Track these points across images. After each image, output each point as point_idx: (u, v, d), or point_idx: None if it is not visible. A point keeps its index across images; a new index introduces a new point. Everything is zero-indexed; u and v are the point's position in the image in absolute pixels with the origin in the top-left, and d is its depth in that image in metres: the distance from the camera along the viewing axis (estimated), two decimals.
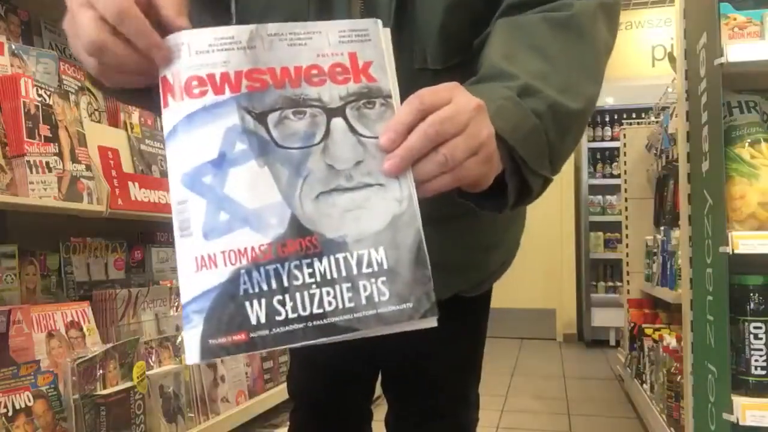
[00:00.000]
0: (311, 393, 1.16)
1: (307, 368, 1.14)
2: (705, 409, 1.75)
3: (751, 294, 1.59)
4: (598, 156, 5.54)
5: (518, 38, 0.73)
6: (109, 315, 1.86)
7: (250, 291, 0.55)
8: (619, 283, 5.01)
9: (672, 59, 2.63)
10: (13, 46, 1.69)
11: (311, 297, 0.56)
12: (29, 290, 1.72)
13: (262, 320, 0.55)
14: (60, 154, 1.63)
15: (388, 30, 0.63)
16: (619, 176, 4.34)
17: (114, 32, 0.57)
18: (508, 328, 5.37)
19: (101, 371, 1.63)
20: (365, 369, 1.14)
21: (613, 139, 5.33)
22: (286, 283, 0.56)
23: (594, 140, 5.49)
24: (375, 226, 0.58)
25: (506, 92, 0.66)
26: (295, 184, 0.58)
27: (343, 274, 0.57)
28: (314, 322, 0.55)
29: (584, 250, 5.38)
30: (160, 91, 0.59)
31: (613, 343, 5.09)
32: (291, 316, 0.55)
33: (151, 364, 1.89)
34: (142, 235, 2.28)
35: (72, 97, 1.79)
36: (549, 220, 5.39)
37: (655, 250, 3.17)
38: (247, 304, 0.55)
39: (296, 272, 0.56)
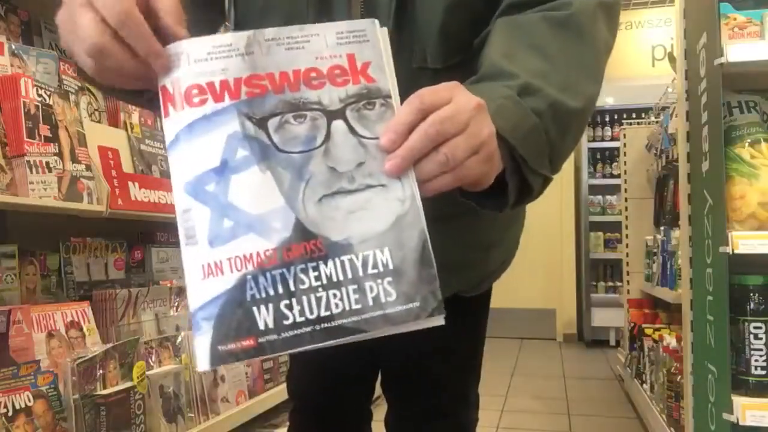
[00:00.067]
0: (311, 394, 1.16)
1: (308, 369, 1.14)
2: (705, 409, 1.75)
3: (751, 294, 1.59)
4: (598, 156, 5.54)
5: (518, 37, 0.73)
6: (109, 315, 1.86)
7: (257, 296, 0.55)
8: (619, 283, 5.02)
9: (672, 59, 2.63)
10: (13, 46, 1.69)
11: (318, 300, 0.56)
12: (29, 290, 1.72)
13: (270, 325, 0.55)
14: (60, 154, 1.63)
15: (385, 30, 0.63)
16: (619, 176, 4.34)
17: (115, 36, 0.57)
18: (508, 328, 5.37)
19: (101, 371, 1.63)
20: (366, 370, 1.14)
21: (613, 139, 5.33)
22: (292, 287, 0.56)
23: (594, 140, 5.50)
24: (379, 226, 0.58)
25: (506, 91, 0.66)
26: (297, 188, 0.58)
27: (349, 275, 0.57)
28: (322, 325, 0.55)
29: (584, 250, 5.38)
30: (161, 100, 0.59)
31: (613, 343, 5.09)
32: (299, 319, 0.55)
33: (151, 364, 1.89)
34: (142, 235, 2.28)
35: (72, 97, 1.79)
36: (549, 220, 5.39)
37: (655, 250, 3.17)
38: (255, 309, 0.55)
39: (302, 276, 0.56)
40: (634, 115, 4.99)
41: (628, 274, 3.86)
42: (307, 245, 0.57)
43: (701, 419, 1.80)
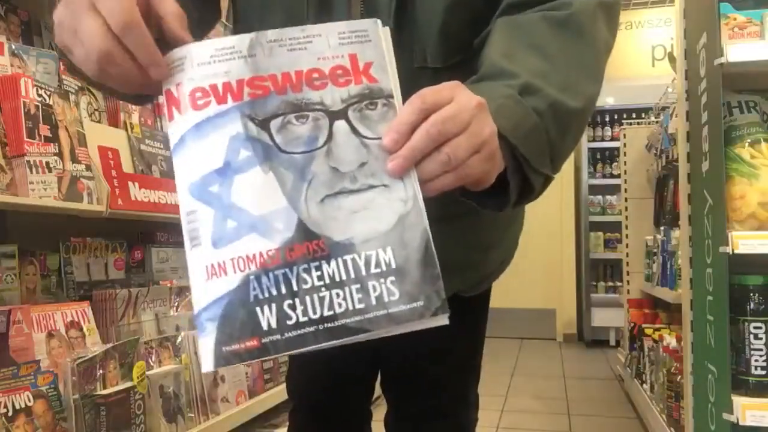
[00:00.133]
0: (311, 394, 1.16)
1: (308, 369, 1.14)
2: (705, 409, 1.75)
3: (751, 294, 1.59)
4: (598, 156, 5.54)
5: (518, 37, 0.73)
6: (109, 315, 1.86)
7: (260, 296, 0.55)
8: (619, 283, 5.02)
9: (672, 59, 2.63)
10: (13, 46, 1.69)
11: (321, 300, 0.56)
12: (29, 290, 1.72)
13: (274, 325, 0.55)
14: (60, 154, 1.63)
15: (387, 29, 0.63)
16: (619, 176, 4.34)
17: (120, 43, 0.58)
18: (508, 328, 5.37)
19: (101, 371, 1.63)
20: (366, 370, 1.14)
21: (613, 139, 5.33)
22: (295, 287, 0.56)
23: (594, 140, 5.50)
24: (381, 226, 0.58)
25: (507, 91, 0.66)
26: (300, 189, 0.58)
27: (352, 275, 0.57)
28: (325, 325, 0.55)
29: (584, 250, 5.38)
30: (165, 104, 0.60)
31: (613, 343, 5.09)
32: (302, 319, 0.55)
33: (151, 364, 1.89)
34: (142, 235, 2.28)
35: (72, 97, 1.79)
36: (549, 220, 5.39)
37: (655, 250, 3.17)
38: (258, 309, 0.55)
39: (305, 276, 0.56)
40: (634, 115, 4.99)
41: (628, 274, 3.86)
42: (310, 245, 0.57)
43: (701, 419, 1.80)
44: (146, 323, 1.98)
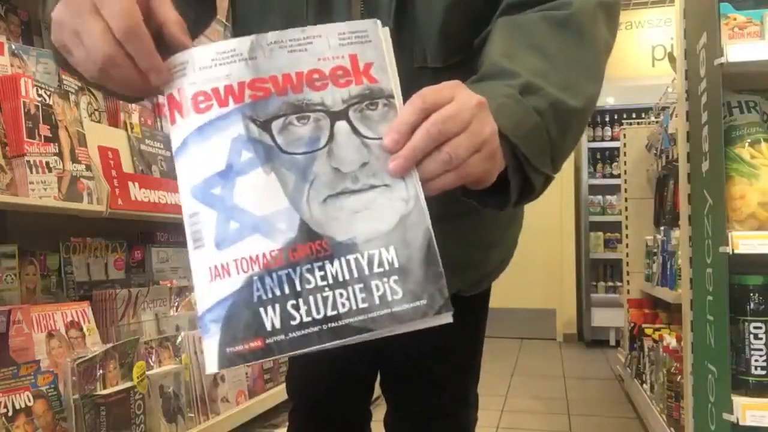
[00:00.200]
0: (311, 394, 1.16)
1: (308, 369, 1.14)
2: (705, 409, 1.75)
3: (751, 294, 1.59)
4: (598, 156, 5.54)
5: (518, 37, 0.73)
6: (109, 315, 1.86)
7: (264, 297, 0.56)
8: (619, 283, 5.02)
9: (672, 59, 2.63)
10: (13, 46, 1.69)
11: (324, 300, 0.56)
12: (29, 290, 1.72)
13: (277, 325, 0.55)
14: (60, 154, 1.63)
15: (387, 30, 0.63)
16: (619, 176, 4.34)
17: (122, 47, 0.58)
18: (508, 328, 5.37)
19: (101, 371, 1.63)
20: (367, 369, 1.14)
21: (613, 139, 5.33)
22: (298, 287, 0.56)
23: (594, 140, 5.50)
24: (383, 226, 0.58)
25: (508, 90, 0.66)
26: (302, 189, 0.58)
27: (355, 275, 0.57)
28: (329, 325, 0.55)
29: (584, 250, 5.38)
30: (167, 108, 0.60)
31: (613, 343, 5.09)
32: (305, 319, 0.55)
33: (151, 364, 1.89)
34: (142, 235, 2.28)
35: (72, 97, 1.79)
36: (549, 220, 5.39)
37: (655, 250, 3.17)
38: (262, 310, 0.55)
39: (308, 276, 0.56)
40: (634, 115, 4.99)
41: (628, 274, 3.86)
42: (313, 245, 0.57)
43: (701, 419, 1.80)
44: (146, 323, 1.98)
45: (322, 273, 0.57)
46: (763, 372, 1.58)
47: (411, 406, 1.10)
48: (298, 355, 0.55)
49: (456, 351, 1.05)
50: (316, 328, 0.55)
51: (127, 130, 2.02)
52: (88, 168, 1.72)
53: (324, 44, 0.61)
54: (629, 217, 3.88)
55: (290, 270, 0.56)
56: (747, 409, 1.54)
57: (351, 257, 0.57)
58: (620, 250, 4.47)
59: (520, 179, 0.68)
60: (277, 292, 0.56)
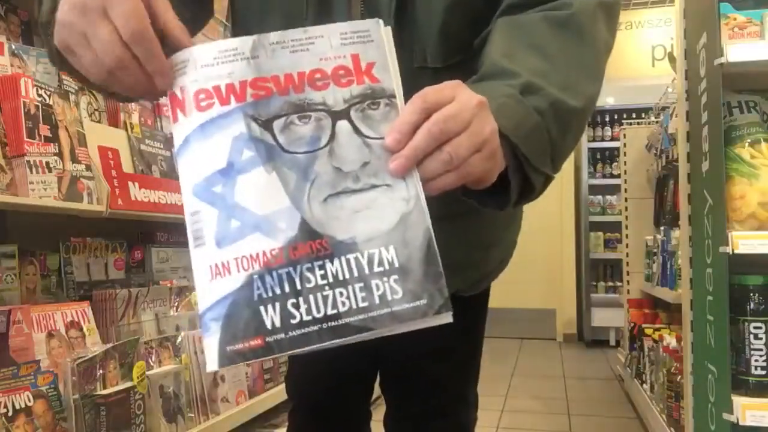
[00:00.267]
0: (311, 394, 1.16)
1: (308, 369, 1.14)
2: (705, 409, 1.75)
3: (751, 294, 1.59)
4: (598, 156, 5.54)
5: (518, 37, 0.73)
6: (109, 315, 1.86)
7: (264, 296, 0.56)
8: (619, 283, 5.02)
9: (672, 59, 2.63)
10: (13, 46, 1.69)
11: (324, 298, 0.56)
12: (29, 290, 1.72)
13: (278, 324, 0.55)
14: (60, 154, 1.63)
15: (389, 29, 0.63)
16: (619, 176, 4.34)
17: (129, 50, 0.58)
18: (508, 328, 5.37)
19: (101, 371, 1.63)
20: (366, 369, 1.14)
21: (613, 139, 5.33)
22: (299, 286, 0.56)
23: (594, 140, 5.50)
24: (384, 225, 0.58)
25: (508, 90, 0.66)
26: (303, 188, 0.58)
27: (355, 274, 0.57)
28: (329, 324, 0.56)
29: (584, 250, 5.38)
30: (169, 106, 0.61)
31: (613, 343, 5.09)
32: (306, 318, 0.55)
33: (151, 364, 1.89)
34: (142, 235, 2.28)
35: (72, 97, 1.79)
36: (549, 220, 5.39)
37: (655, 250, 3.17)
38: (262, 308, 0.55)
39: (308, 274, 0.57)
40: (634, 115, 4.99)
41: (628, 274, 3.86)
42: (313, 244, 0.57)
43: (701, 419, 1.80)
44: (146, 323, 1.98)
45: (322, 272, 0.57)
46: (763, 372, 1.58)
47: (410, 406, 1.10)
48: (298, 353, 0.55)
49: (455, 351, 1.05)
50: (316, 327, 0.55)
51: (127, 130, 2.02)
52: (88, 168, 1.72)
53: (326, 44, 0.61)
54: (629, 217, 3.88)
55: (291, 269, 0.56)
56: (747, 409, 1.54)
57: (351, 256, 0.57)
58: (620, 250, 4.47)
59: (521, 179, 0.68)
60: (278, 291, 0.56)
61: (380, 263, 0.57)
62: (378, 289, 0.57)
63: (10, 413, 1.38)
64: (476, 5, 0.81)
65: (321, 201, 0.58)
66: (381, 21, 0.63)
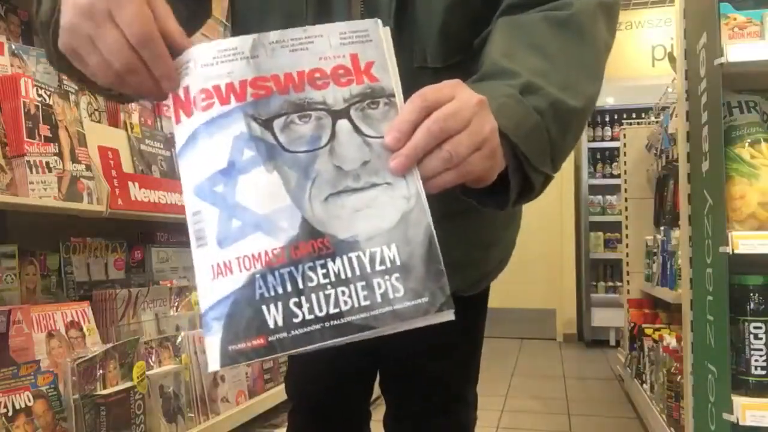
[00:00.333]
0: (311, 394, 1.16)
1: (308, 368, 1.14)
2: (705, 409, 1.75)
3: (751, 294, 1.59)
4: (598, 156, 5.54)
5: (518, 37, 0.73)
6: (109, 315, 1.86)
7: (266, 295, 0.56)
8: (619, 283, 5.02)
9: (672, 59, 2.63)
10: (13, 46, 1.69)
11: (327, 297, 0.56)
12: (29, 290, 1.72)
13: (280, 323, 0.55)
14: (60, 154, 1.63)
15: (388, 29, 0.63)
16: (619, 176, 4.34)
17: (136, 54, 0.59)
18: (508, 328, 5.37)
19: (101, 371, 1.63)
20: (367, 369, 1.14)
21: (613, 139, 5.33)
22: (301, 285, 0.56)
23: (594, 140, 5.50)
24: (385, 224, 0.58)
25: (508, 90, 0.66)
26: (303, 187, 0.58)
27: (357, 272, 0.57)
28: (331, 322, 0.56)
29: (584, 250, 5.38)
30: (172, 107, 0.61)
31: (613, 343, 5.09)
32: (308, 317, 0.56)
33: (151, 364, 1.89)
34: (142, 235, 2.28)
35: (72, 97, 1.79)
36: (549, 220, 5.39)
37: (655, 250, 3.17)
38: (264, 308, 0.55)
39: (310, 273, 0.57)
40: (634, 115, 4.99)
41: (628, 274, 3.86)
42: (315, 243, 0.57)
43: (701, 419, 1.80)
44: (146, 323, 1.98)
45: (324, 271, 0.57)
46: (763, 372, 1.58)
47: (410, 405, 1.10)
48: (300, 353, 0.55)
49: (455, 350, 1.05)
50: (318, 326, 0.55)
51: (127, 130, 2.02)
52: (88, 168, 1.72)
53: (325, 43, 0.61)
54: (629, 217, 3.88)
55: (292, 268, 0.57)
56: (747, 409, 1.54)
57: (353, 255, 0.57)
58: (620, 250, 4.47)
59: (520, 178, 0.68)
60: (280, 290, 0.56)
61: (382, 261, 0.57)
62: (380, 287, 0.57)
63: (10, 413, 1.38)
64: (476, 5, 0.82)
65: (322, 200, 0.58)
66: (380, 21, 0.63)
